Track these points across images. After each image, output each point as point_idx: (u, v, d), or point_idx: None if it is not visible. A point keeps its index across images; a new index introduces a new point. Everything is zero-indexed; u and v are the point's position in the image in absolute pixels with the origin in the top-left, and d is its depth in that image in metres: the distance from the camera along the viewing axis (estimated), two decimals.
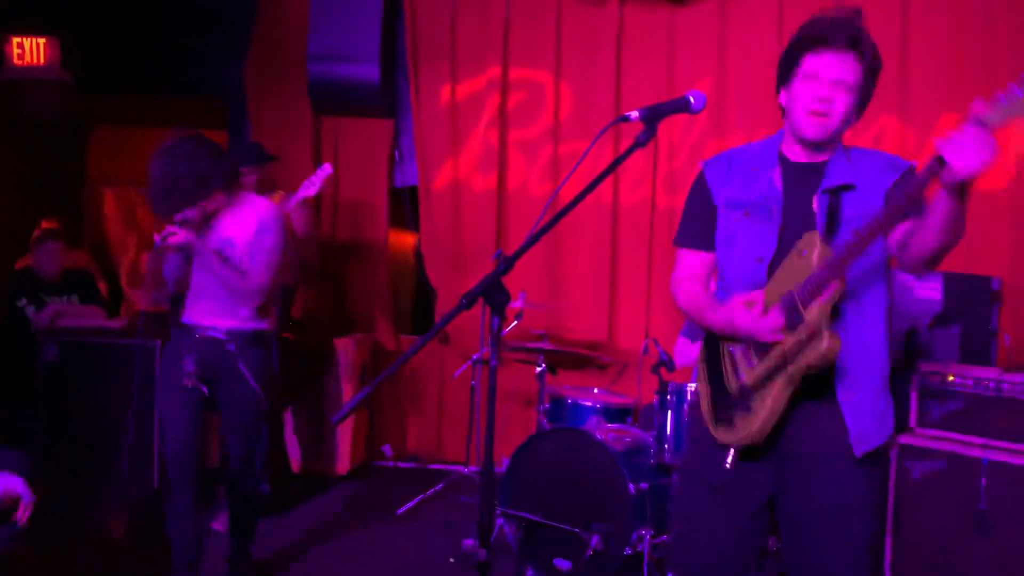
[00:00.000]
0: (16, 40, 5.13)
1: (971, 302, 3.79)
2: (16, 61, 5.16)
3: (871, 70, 1.96)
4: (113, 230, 7.42)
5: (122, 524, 4.01)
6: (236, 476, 3.28)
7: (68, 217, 6.14)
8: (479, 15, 5.24)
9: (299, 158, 5.32)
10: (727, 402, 2.03)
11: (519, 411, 5.12)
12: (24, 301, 4.78)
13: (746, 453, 2.01)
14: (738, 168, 2.11)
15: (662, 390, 3.55)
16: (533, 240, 1.70)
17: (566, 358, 4.79)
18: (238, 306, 3.17)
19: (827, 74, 1.92)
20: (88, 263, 5.82)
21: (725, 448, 2.02)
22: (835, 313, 1.91)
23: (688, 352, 4.11)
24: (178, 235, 3.01)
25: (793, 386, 1.91)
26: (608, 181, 5.13)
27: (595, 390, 4.21)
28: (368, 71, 5.06)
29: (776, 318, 1.88)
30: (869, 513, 2.01)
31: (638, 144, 1.80)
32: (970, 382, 3.22)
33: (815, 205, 1.99)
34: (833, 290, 1.84)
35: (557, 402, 4.00)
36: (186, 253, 3.12)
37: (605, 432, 3.58)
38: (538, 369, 4.16)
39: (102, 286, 5.32)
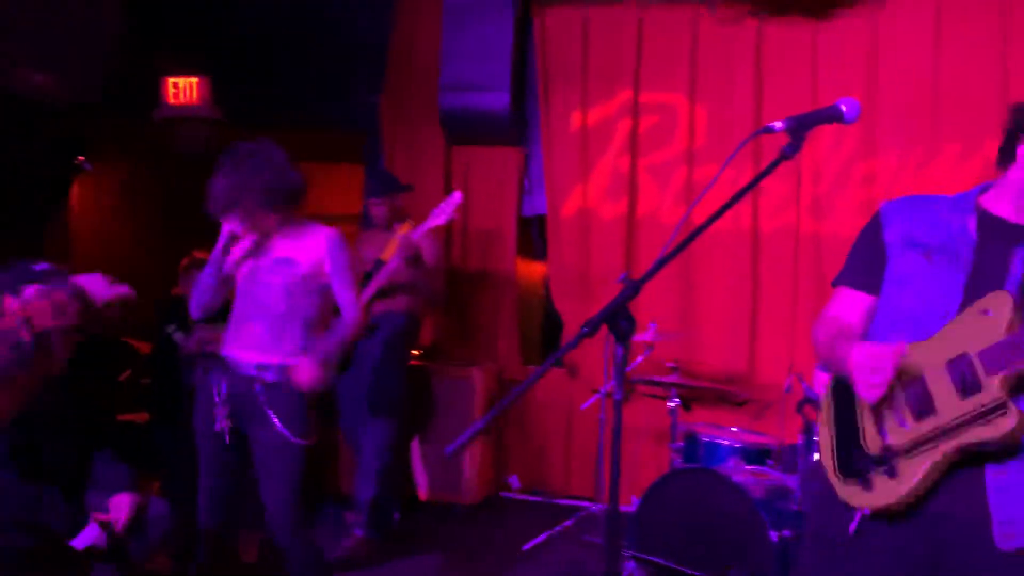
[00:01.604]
0: (172, 81, 5.46)
1: None
2: (172, 100, 5.49)
3: None
4: None
5: (255, 547, 4.09)
6: (276, 530, 3.02)
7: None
8: (610, 39, 5.14)
9: (430, 188, 5.36)
10: (860, 458, 1.78)
11: (650, 448, 4.90)
12: (173, 327, 5.00)
13: (879, 514, 1.75)
14: (922, 208, 1.88)
15: (807, 430, 3.28)
16: (661, 264, 1.55)
17: (701, 393, 4.56)
18: (286, 337, 2.98)
19: None
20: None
21: (851, 509, 1.78)
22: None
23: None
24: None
25: (957, 459, 1.66)
26: (747, 206, 4.90)
27: (733, 428, 3.95)
28: (499, 100, 5.06)
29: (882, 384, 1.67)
30: None
31: (783, 157, 1.64)
32: None
33: (1014, 263, 1.73)
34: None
35: (691, 440, 3.78)
36: (225, 275, 3.04)
37: (743, 474, 3.34)
38: (670, 404, 3.96)
39: None
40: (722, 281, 4.97)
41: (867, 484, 1.75)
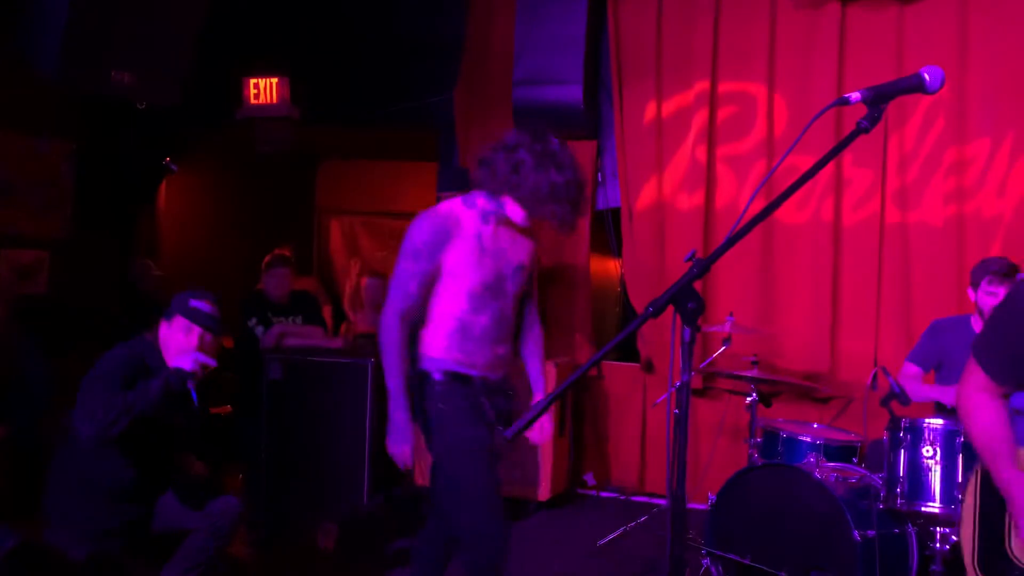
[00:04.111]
0: (252, 81, 5.61)
1: None
2: (252, 101, 5.63)
3: None
4: (337, 257, 7.92)
5: (333, 536, 4.16)
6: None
7: (299, 245, 6.62)
8: (686, 28, 5.04)
9: None
10: (1003, 563, 1.75)
11: (729, 444, 4.80)
12: (254, 321, 5.13)
13: None
14: None
15: (894, 426, 3.14)
16: (730, 243, 1.50)
17: (780, 388, 4.43)
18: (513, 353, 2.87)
19: None
20: (316, 288, 6.21)
21: None
22: None
23: (918, 389, 3.63)
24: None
25: None
26: (830, 198, 4.74)
27: (814, 425, 3.83)
28: (571, 92, 5.03)
29: None
30: None
31: (861, 130, 1.57)
32: None
33: None
34: None
35: (770, 436, 3.68)
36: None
37: (825, 471, 3.23)
38: (748, 399, 3.85)
39: (327, 309, 5.60)
40: (803, 274, 4.82)
41: None
